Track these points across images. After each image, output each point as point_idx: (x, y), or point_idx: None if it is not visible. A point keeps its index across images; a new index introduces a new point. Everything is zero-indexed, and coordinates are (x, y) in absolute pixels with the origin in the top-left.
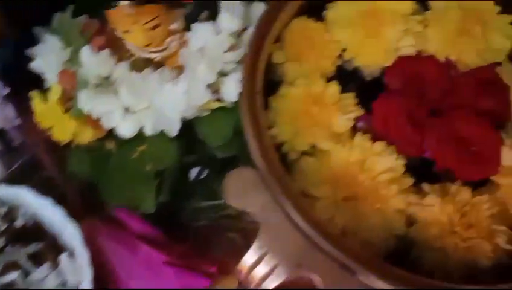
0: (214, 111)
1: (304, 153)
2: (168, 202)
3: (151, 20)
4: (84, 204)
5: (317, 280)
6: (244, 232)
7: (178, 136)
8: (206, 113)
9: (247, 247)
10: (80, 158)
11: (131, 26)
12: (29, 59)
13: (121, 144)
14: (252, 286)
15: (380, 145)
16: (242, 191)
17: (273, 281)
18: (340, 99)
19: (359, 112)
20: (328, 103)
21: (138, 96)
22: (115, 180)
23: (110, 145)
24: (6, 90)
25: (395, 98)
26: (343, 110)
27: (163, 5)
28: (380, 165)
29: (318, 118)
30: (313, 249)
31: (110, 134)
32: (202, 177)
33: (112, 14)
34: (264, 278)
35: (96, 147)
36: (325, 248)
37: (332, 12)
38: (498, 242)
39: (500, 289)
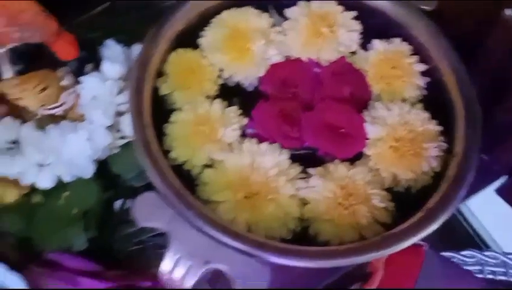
0: (123, 147)
1: (206, 166)
2: (98, 236)
3: (38, 85)
4: (22, 256)
5: (226, 269)
6: None
7: (96, 176)
8: (115, 151)
9: None
10: (9, 217)
11: (22, 94)
12: None
13: (46, 194)
14: (175, 286)
15: (264, 146)
16: (148, 213)
17: (191, 279)
18: (223, 114)
19: (243, 121)
20: (214, 120)
21: (45, 151)
22: (45, 228)
23: (37, 198)
24: None
25: (271, 102)
26: (228, 123)
27: (45, 70)
28: (266, 162)
29: (208, 135)
30: (216, 246)
31: (35, 188)
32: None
33: (1, 87)
34: (183, 278)
35: (23, 203)
36: (225, 242)
37: (204, 40)
38: (374, 203)
39: None
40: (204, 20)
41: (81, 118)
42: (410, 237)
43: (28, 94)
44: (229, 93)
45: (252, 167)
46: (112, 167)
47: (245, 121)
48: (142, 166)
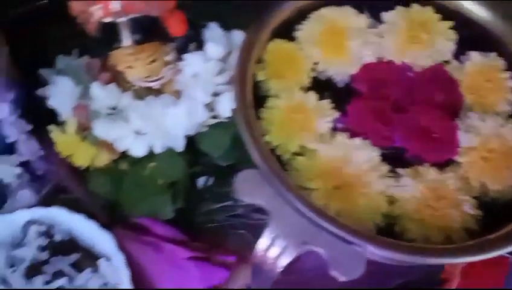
0: (212, 126)
1: (295, 154)
2: (182, 208)
3: (149, 56)
4: (109, 218)
5: (322, 252)
6: (251, 229)
7: (183, 151)
8: (205, 130)
9: (255, 240)
10: (99, 179)
11: (134, 63)
12: (42, 98)
13: (133, 163)
14: (267, 265)
15: (357, 141)
16: (250, 189)
17: (285, 259)
18: (318, 105)
19: (335, 114)
20: (309, 109)
21: (146, 120)
22: (132, 195)
23: (123, 165)
24: (29, 127)
25: (366, 100)
26: (322, 114)
27: (157, 42)
28: (359, 156)
29: (303, 123)
30: (315, 229)
31: (123, 155)
32: (209, 184)
33: (115, 55)
34: (277, 257)
35: (112, 168)
36: (325, 226)
37: (301, 33)
38: (464, 209)
39: None
40: (301, 14)
41: (175, 94)
42: (505, 245)
43: (139, 64)
44: (320, 86)
45: (344, 159)
46: (200, 144)
47: (336, 114)
48: (228, 146)
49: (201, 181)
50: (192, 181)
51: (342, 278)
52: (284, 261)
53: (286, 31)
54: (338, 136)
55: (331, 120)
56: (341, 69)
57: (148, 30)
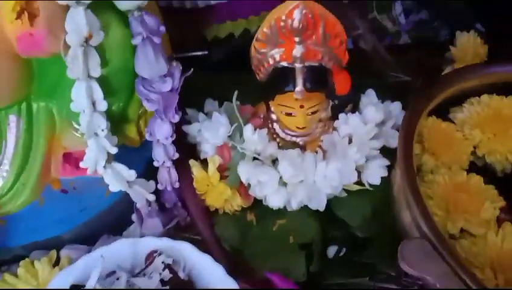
0: (353, 193)
1: (451, 236)
2: (315, 273)
3: (314, 106)
4: (232, 267)
5: None
6: None
7: (317, 214)
8: (344, 195)
9: None
10: (227, 225)
11: (297, 110)
12: (185, 134)
13: (260, 217)
14: None
15: None
16: (419, 260)
17: None
18: (484, 189)
19: (502, 202)
20: (474, 191)
21: (297, 169)
22: (260, 248)
23: (251, 217)
24: (177, 155)
25: None
26: (490, 199)
27: (322, 94)
28: None
29: (467, 204)
30: None
31: (252, 207)
32: (341, 254)
33: (282, 98)
34: None
35: (240, 216)
36: None
37: (460, 115)
38: None
39: None
40: (459, 97)
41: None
42: None
43: (301, 112)
44: (478, 172)
45: None
46: (338, 210)
47: (503, 203)
48: (369, 217)
49: (331, 250)
50: (324, 248)
51: None
52: None
53: (441, 111)
54: (507, 226)
55: (499, 207)
56: (503, 156)
57: (316, 81)
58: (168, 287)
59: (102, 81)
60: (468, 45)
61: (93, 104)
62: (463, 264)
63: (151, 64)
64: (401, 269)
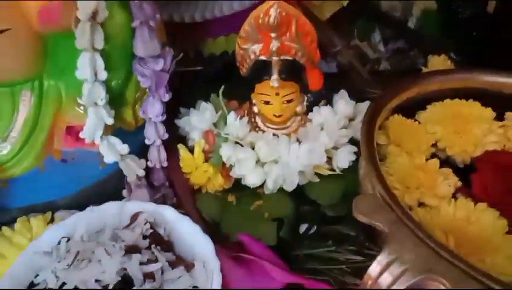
0: (325, 177)
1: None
2: (285, 241)
3: (288, 94)
4: (210, 235)
5: (444, 283)
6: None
7: (292, 196)
8: (316, 180)
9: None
10: (208, 201)
11: (273, 98)
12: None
13: (239, 198)
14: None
15: (483, 205)
16: (371, 211)
17: (400, 286)
18: (441, 171)
19: (457, 183)
20: (431, 171)
21: (271, 149)
22: (236, 221)
23: (231, 198)
24: (167, 135)
25: (491, 172)
26: (445, 179)
27: (296, 84)
28: (486, 218)
29: (424, 181)
30: (440, 258)
31: (233, 189)
32: (311, 232)
33: (260, 86)
34: (391, 284)
35: (221, 197)
36: (452, 261)
37: (424, 114)
38: None
39: None
40: (423, 100)
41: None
42: None
43: (277, 100)
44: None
45: (467, 220)
46: (310, 193)
47: (459, 183)
48: (339, 198)
49: (303, 227)
50: (296, 226)
51: None
52: (399, 287)
53: (406, 110)
54: (460, 199)
55: (453, 185)
56: (463, 150)
57: (290, 75)
58: (148, 240)
59: (104, 55)
60: (438, 67)
61: (95, 75)
62: (409, 215)
63: (146, 44)
64: (361, 232)
